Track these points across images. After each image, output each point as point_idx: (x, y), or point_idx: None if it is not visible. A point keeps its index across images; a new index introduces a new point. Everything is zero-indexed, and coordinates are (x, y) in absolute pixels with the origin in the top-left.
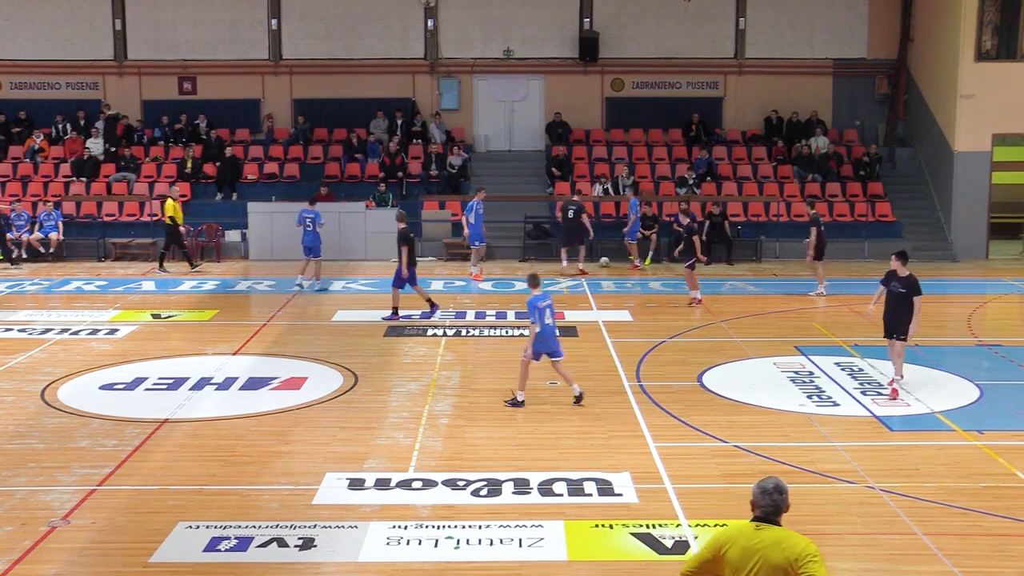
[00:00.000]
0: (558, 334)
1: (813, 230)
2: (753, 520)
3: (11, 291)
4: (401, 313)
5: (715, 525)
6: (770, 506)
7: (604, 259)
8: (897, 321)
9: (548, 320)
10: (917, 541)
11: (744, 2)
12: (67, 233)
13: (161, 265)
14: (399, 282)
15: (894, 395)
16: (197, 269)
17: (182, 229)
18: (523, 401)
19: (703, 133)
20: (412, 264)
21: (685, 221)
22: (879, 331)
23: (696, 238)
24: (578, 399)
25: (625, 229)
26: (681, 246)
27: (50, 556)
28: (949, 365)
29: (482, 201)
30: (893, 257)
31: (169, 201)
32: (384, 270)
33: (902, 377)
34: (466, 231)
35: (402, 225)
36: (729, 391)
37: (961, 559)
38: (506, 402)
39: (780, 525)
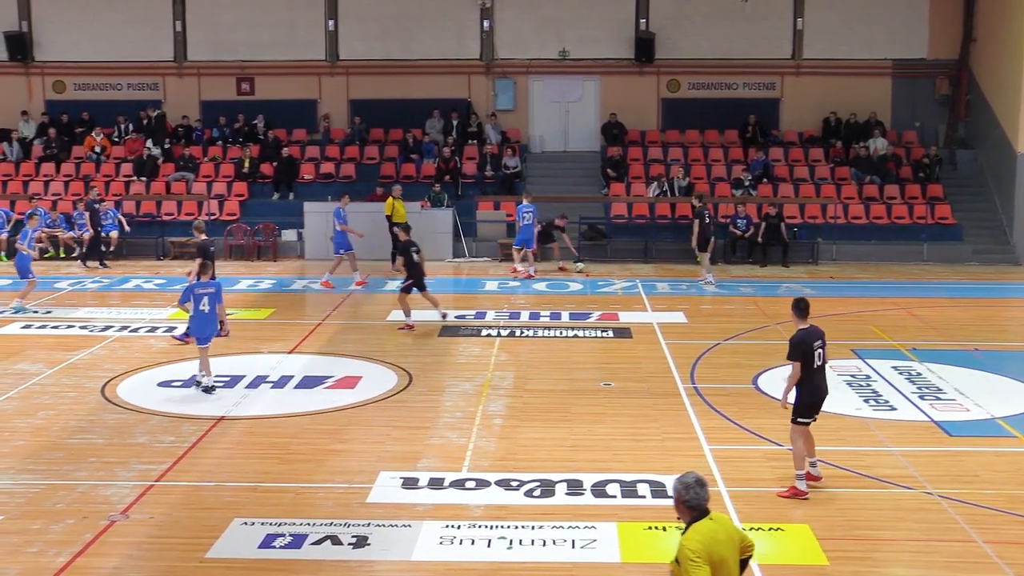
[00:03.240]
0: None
1: (696, 222)
2: (698, 519)
3: (73, 288)
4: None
5: (769, 529)
6: (696, 499)
7: (580, 264)
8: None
9: (204, 307)
10: (976, 549)
11: (802, 2)
12: (127, 232)
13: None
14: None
15: (791, 494)
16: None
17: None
18: (213, 386)
19: (759, 134)
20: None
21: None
22: (937, 335)
23: (421, 257)
24: (208, 389)
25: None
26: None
27: (110, 549)
28: (1010, 370)
29: (345, 208)
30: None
31: (389, 199)
32: (438, 270)
33: (814, 467)
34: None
35: (202, 236)
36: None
37: (1023, 569)
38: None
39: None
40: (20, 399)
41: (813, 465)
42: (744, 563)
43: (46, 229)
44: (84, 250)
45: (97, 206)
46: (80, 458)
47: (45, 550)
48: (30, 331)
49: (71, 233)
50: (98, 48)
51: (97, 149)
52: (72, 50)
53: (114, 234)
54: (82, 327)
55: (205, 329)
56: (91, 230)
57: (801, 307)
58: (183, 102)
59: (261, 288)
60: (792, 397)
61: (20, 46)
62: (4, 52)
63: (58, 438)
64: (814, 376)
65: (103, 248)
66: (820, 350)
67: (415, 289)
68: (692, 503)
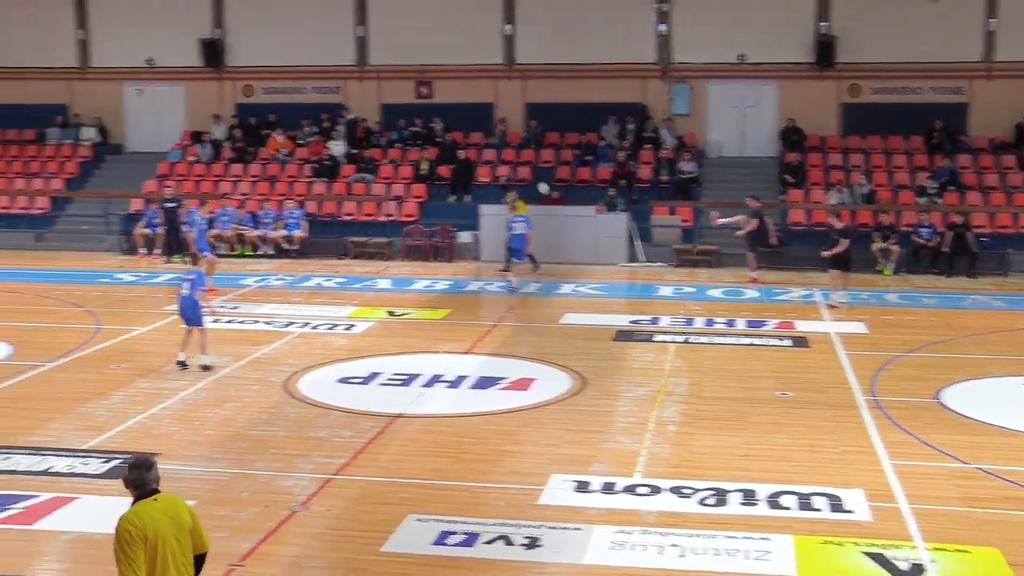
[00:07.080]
0: (203, 307)
1: (755, 220)
2: (141, 499)
3: (258, 285)
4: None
5: (955, 551)
6: (139, 479)
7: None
8: None
9: (185, 291)
10: None
11: (995, 1)
12: (309, 231)
13: (507, 264)
14: None
15: None
16: (505, 271)
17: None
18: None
19: (946, 140)
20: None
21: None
22: None
23: None
24: (182, 364)
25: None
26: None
27: (290, 539)
28: None
29: (198, 208)
30: None
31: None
32: (613, 274)
33: None
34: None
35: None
36: (971, 410)
37: None
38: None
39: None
40: (209, 390)
41: None
42: (199, 559)
43: (234, 226)
44: (163, 248)
45: (171, 204)
46: (263, 449)
47: (232, 536)
48: (218, 325)
49: (257, 232)
50: (284, 53)
51: (284, 152)
52: (260, 55)
53: (297, 233)
54: (266, 323)
55: (183, 313)
56: (163, 227)
57: None
58: (364, 105)
59: (437, 289)
60: None
61: (214, 52)
62: (200, 58)
63: (243, 429)
64: None
65: (268, 245)
66: None
67: None
68: (136, 483)
